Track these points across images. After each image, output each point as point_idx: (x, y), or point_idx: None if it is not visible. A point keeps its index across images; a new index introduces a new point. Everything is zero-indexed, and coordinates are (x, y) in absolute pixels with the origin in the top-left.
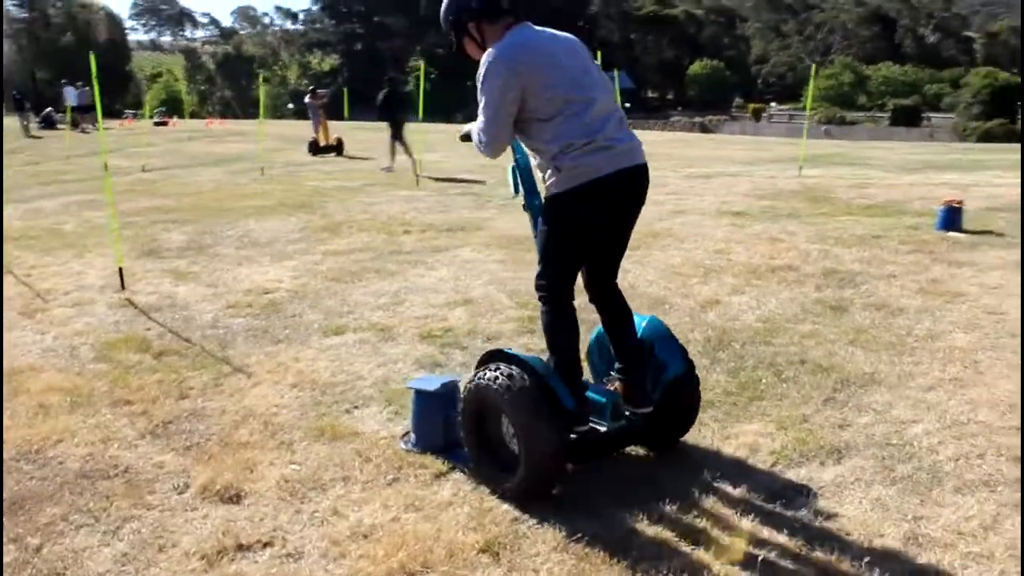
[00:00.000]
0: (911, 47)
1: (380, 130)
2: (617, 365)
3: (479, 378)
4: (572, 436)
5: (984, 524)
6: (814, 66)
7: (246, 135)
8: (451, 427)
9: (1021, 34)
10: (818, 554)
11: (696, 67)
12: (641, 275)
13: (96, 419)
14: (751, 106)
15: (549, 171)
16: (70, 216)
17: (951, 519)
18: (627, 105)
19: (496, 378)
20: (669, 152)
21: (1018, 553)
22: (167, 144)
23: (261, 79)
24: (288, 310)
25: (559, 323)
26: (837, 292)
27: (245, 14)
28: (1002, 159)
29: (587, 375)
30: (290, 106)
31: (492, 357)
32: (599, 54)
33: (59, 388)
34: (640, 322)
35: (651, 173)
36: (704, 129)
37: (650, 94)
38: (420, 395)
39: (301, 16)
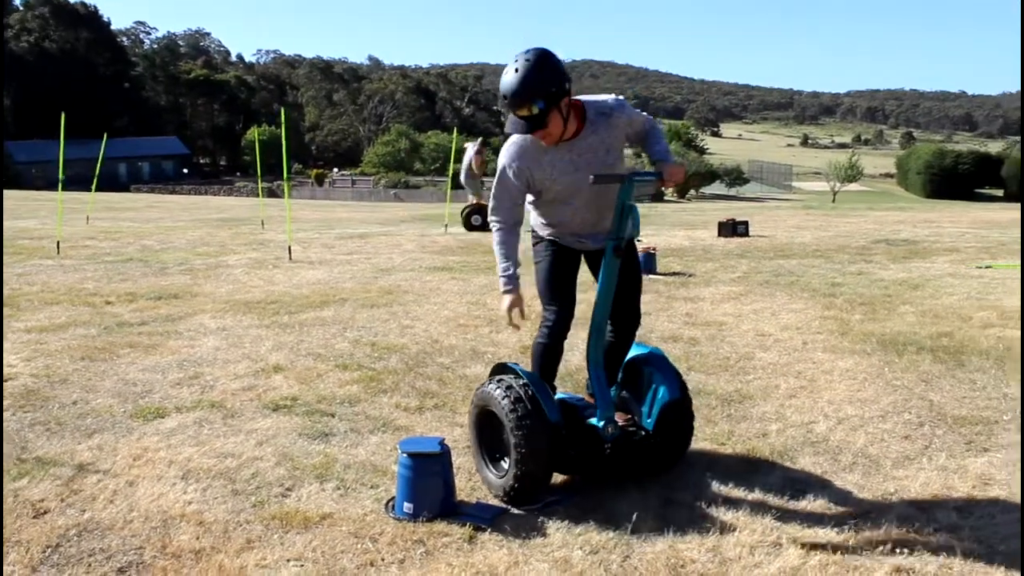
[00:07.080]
0: (450, 118)
1: None
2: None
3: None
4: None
5: (944, 484)
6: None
7: None
8: (450, 488)
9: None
10: (853, 531)
11: (253, 133)
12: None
13: None
14: (314, 171)
15: None
16: None
17: (915, 485)
18: (185, 171)
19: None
20: (295, 215)
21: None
22: None
23: None
24: (61, 397)
25: None
26: None
27: None
28: None
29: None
30: None
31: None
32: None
33: None
34: (642, 351)
35: (303, 235)
36: (272, 194)
37: (203, 160)
38: (419, 459)
39: None
